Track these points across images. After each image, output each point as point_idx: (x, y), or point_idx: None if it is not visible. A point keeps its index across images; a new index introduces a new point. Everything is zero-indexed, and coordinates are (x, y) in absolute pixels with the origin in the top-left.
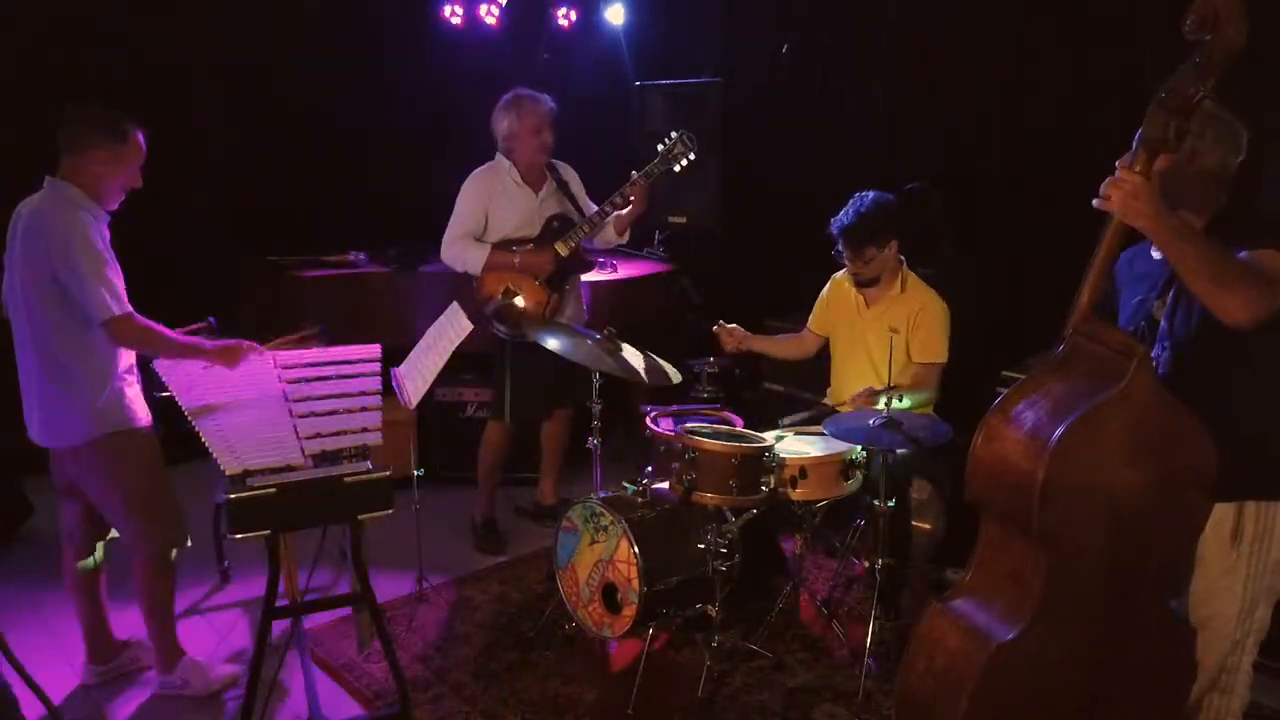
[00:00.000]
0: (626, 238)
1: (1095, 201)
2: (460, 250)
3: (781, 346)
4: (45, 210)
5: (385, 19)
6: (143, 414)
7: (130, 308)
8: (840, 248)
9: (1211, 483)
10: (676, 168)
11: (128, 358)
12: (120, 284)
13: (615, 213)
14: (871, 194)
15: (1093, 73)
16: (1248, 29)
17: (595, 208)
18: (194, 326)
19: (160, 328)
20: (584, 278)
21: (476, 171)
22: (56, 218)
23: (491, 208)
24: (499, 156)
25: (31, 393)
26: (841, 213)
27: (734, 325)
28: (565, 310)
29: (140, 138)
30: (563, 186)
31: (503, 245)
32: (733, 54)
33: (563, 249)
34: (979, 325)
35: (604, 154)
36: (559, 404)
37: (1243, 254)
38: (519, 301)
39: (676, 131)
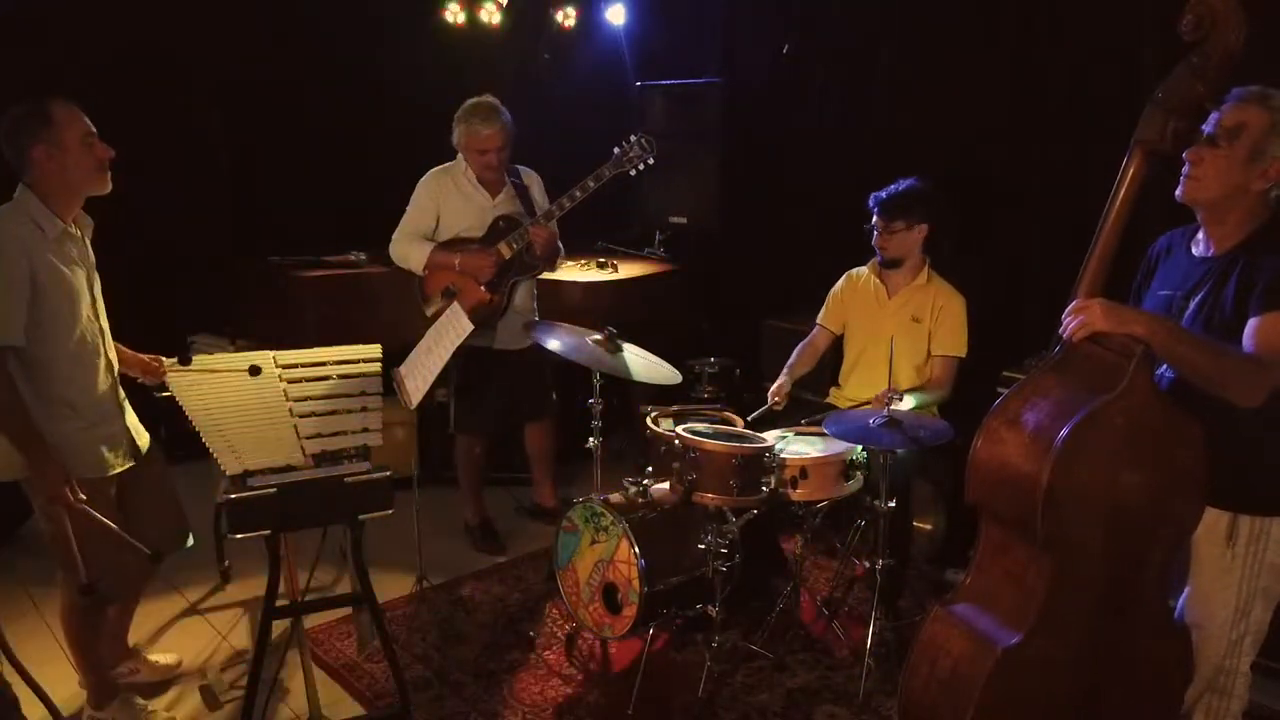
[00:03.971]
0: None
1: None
2: (404, 248)
3: (807, 363)
4: None
5: (385, 19)
6: (83, 459)
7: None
8: (873, 221)
9: (1202, 486)
10: (632, 171)
11: (73, 394)
12: (13, 314)
13: (559, 214)
14: (914, 179)
15: (1092, 70)
16: (1245, 29)
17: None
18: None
19: (6, 391)
20: (580, 278)
21: (433, 170)
22: None
23: (443, 208)
24: (459, 156)
25: None
26: (881, 189)
27: (773, 389)
28: (513, 302)
29: (70, 110)
30: (521, 191)
31: (448, 245)
32: (733, 54)
33: (506, 250)
34: (979, 326)
35: (604, 154)
36: (525, 419)
37: (1255, 319)
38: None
39: (635, 135)
